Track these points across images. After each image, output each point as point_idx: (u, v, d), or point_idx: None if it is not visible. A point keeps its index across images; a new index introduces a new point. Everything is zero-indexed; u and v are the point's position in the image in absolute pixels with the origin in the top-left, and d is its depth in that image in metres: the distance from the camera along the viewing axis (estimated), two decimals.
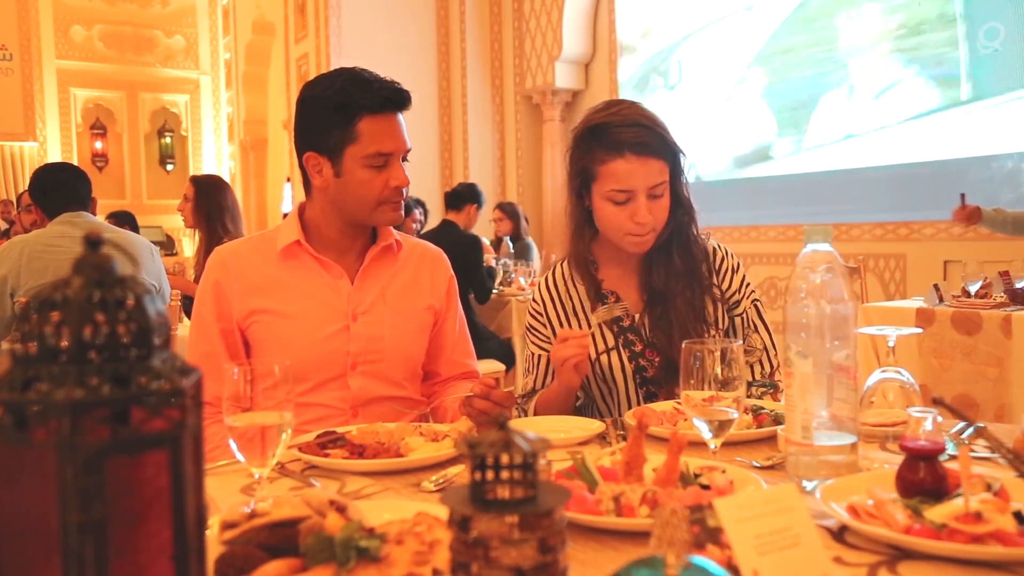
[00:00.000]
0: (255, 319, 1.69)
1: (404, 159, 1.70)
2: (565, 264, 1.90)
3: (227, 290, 1.70)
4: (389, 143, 1.65)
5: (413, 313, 1.79)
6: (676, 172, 1.75)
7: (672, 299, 1.76)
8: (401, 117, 1.69)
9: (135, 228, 5.73)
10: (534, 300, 1.91)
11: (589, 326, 1.81)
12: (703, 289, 1.80)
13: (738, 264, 1.88)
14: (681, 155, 1.76)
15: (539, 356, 1.88)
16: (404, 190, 1.70)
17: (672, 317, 1.75)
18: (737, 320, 1.84)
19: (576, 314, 1.85)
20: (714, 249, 1.86)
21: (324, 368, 1.69)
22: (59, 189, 3.21)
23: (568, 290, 1.86)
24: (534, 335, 1.90)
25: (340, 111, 1.64)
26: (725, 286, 1.84)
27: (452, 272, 1.90)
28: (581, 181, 1.77)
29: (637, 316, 1.80)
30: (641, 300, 1.81)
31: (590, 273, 1.83)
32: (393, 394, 1.74)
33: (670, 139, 1.72)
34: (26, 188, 3.73)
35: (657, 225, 1.73)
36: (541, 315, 1.88)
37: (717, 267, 1.85)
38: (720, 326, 1.82)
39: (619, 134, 1.68)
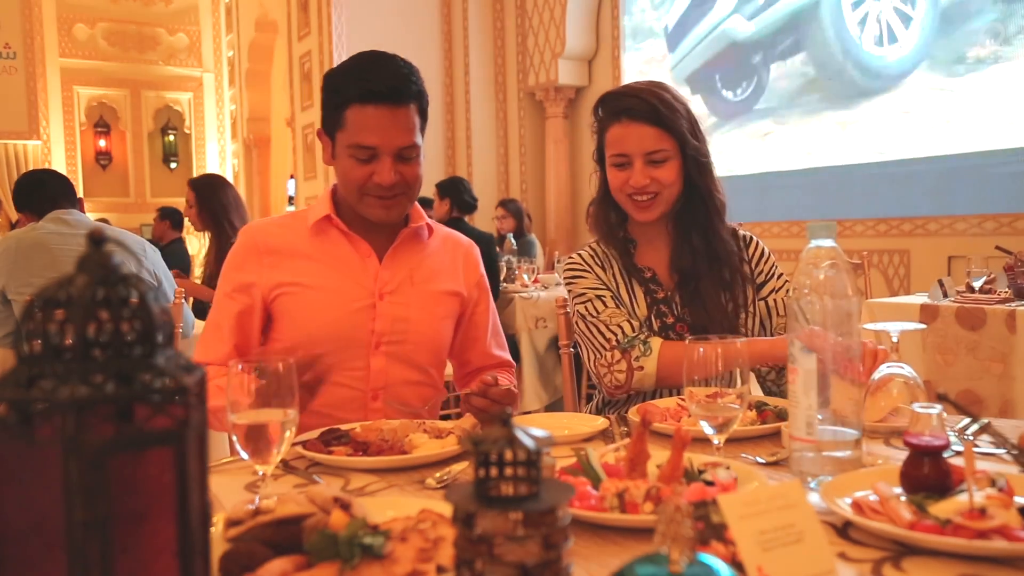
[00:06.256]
0: (281, 291, 1.69)
1: (405, 157, 1.65)
2: (597, 243, 1.92)
3: (255, 264, 1.71)
4: (370, 137, 1.62)
5: (440, 297, 1.78)
6: (685, 151, 1.78)
7: (699, 280, 1.80)
8: (403, 112, 1.63)
9: None
10: (570, 268, 1.89)
11: (629, 294, 1.83)
12: (733, 271, 1.83)
13: (768, 252, 1.92)
14: (689, 137, 1.78)
15: (601, 296, 1.81)
16: (409, 187, 1.68)
17: (704, 296, 1.79)
18: (769, 302, 1.86)
19: (615, 279, 1.85)
20: (744, 235, 1.92)
21: (347, 345, 1.68)
22: (42, 190, 3.26)
23: (608, 259, 1.88)
24: (584, 281, 1.84)
25: (335, 95, 1.65)
26: (757, 269, 1.89)
27: (483, 267, 1.90)
28: (600, 154, 1.86)
29: (670, 292, 1.83)
30: (672, 279, 1.85)
31: (617, 238, 1.86)
32: (414, 379, 1.73)
33: (665, 113, 1.75)
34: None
35: (658, 189, 1.77)
36: (586, 270, 1.86)
37: (748, 250, 1.90)
38: (751, 310, 1.84)
39: (616, 102, 1.79)
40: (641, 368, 1.70)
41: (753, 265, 1.89)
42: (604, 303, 1.79)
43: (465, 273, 1.85)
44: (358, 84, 1.61)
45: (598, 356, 1.76)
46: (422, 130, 1.70)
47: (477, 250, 1.91)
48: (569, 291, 1.88)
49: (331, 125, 1.67)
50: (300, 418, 1.60)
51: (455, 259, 1.84)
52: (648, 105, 1.75)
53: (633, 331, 1.75)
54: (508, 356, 1.93)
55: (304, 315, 1.68)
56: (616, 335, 1.74)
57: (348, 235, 1.73)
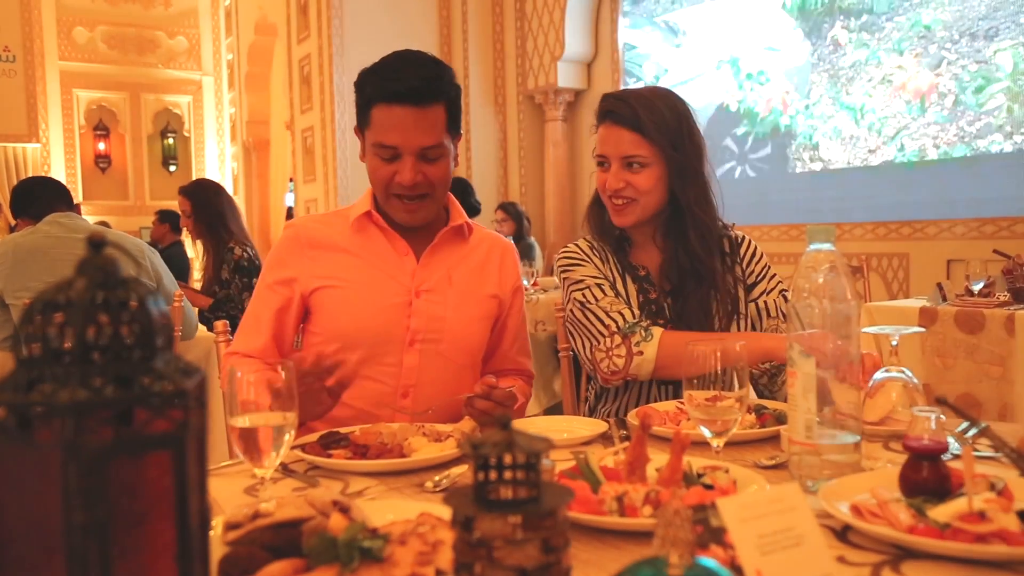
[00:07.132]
0: (320, 284, 1.70)
1: (428, 157, 1.65)
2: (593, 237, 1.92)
3: (298, 258, 1.72)
4: (391, 136, 1.63)
5: (478, 298, 1.77)
6: (671, 166, 1.76)
7: (687, 299, 1.79)
8: (427, 113, 1.62)
9: None
10: (568, 256, 1.87)
11: (624, 289, 1.82)
12: (718, 289, 1.80)
13: (761, 254, 1.91)
14: (671, 147, 1.75)
15: (600, 284, 1.79)
16: (433, 187, 1.67)
17: (689, 319, 1.78)
18: (760, 304, 1.85)
19: (612, 272, 1.84)
20: (736, 236, 1.91)
21: (382, 340, 1.68)
22: (38, 196, 3.27)
23: (605, 252, 1.87)
24: (582, 269, 1.82)
25: (362, 94, 1.67)
26: (748, 269, 1.88)
27: (519, 269, 1.89)
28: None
29: (662, 294, 1.83)
30: (663, 284, 1.85)
31: (612, 236, 1.86)
32: (447, 379, 1.71)
33: (645, 120, 1.74)
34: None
35: (633, 195, 1.77)
36: (584, 259, 1.85)
37: (740, 250, 1.89)
38: (743, 312, 1.84)
39: (605, 103, 1.81)
40: (641, 353, 1.69)
41: (744, 266, 1.88)
42: (603, 291, 1.78)
43: (504, 276, 1.83)
44: (382, 84, 1.63)
45: (596, 343, 1.75)
46: (452, 129, 1.68)
47: (516, 252, 1.90)
48: (565, 279, 1.85)
49: (361, 123, 1.70)
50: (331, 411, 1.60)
51: (495, 261, 1.83)
52: (631, 110, 1.75)
53: (634, 318, 1.74)
54: (530, 365, 1.90)
55: (340, 309, 1.69)
56: (616, 322, 1.73)
57: (386, 232, 1.74)
